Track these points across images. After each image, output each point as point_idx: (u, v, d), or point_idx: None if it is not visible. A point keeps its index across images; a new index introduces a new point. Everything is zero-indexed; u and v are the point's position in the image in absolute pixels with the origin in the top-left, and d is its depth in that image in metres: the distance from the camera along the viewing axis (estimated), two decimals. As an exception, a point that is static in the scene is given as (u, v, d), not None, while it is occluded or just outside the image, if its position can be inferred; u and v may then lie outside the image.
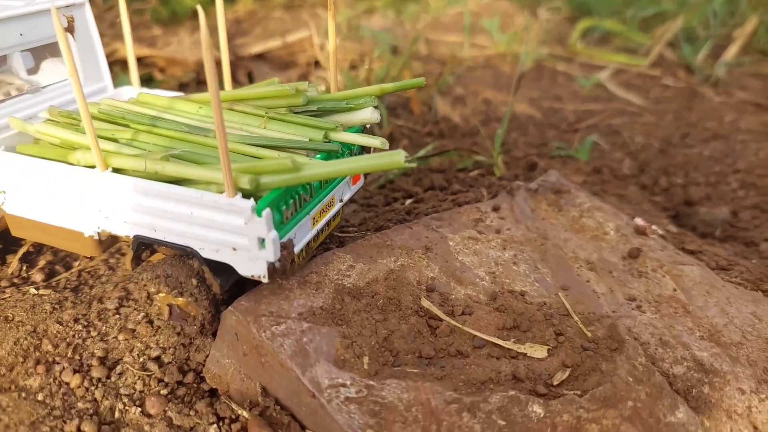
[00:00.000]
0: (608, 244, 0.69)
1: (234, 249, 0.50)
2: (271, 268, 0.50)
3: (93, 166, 0.56)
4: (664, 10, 1.96)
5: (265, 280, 0.51)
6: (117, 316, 0.62)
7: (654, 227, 0.72)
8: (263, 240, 0.49)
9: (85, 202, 0.57)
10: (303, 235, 0.56)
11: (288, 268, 0.53)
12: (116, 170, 0.55)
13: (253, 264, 0.50)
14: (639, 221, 0.72)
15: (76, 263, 0.72)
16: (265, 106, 0.62)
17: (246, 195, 0.49)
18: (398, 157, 0.46)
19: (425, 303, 0.58)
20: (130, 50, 0.76)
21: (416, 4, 2.05)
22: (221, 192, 0.50)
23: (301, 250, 0.56)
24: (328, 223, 0.61)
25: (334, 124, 0.59)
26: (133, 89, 0.78)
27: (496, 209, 0.73)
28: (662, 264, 0.67)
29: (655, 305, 0.62)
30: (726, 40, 1.90)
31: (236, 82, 1.41)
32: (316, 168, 0.49)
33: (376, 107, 0.62)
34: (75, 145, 0.60)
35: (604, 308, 0.60)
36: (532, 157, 0.95)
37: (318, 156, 0.57)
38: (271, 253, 0.49)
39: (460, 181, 0.89)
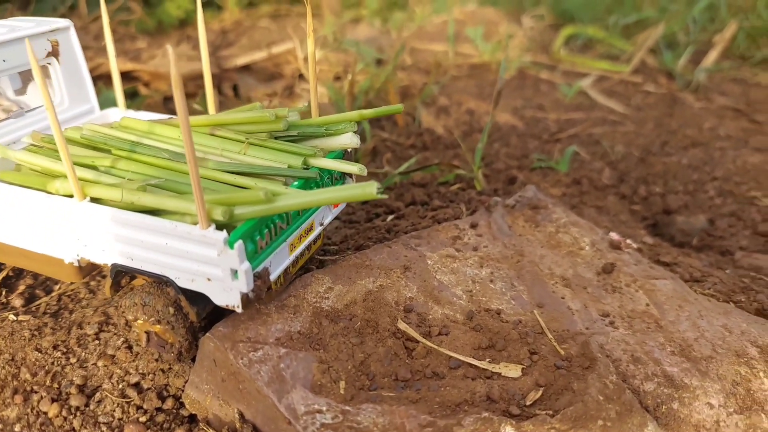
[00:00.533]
0: (583, 259, 0.70)
1: (208, 279, 0.51)
2: (245, 299, 0.51)
3: (72, 195, 0.56)
4: (645, 17, 1.98)
5: (239, 310, 0.52)
6: (96, 342, 0.63)
7: (629, 241, 0.73)
8: (236, 271, 0.49)
9: (65, 230, 0.58)
10: (280, 262, 0.56)
11: (263, 296, 0.53)
12: (94, 199, 0.56)
13: (227, 294, 0.51)
14: (614, 236, 0.73)
15: (57, 287, 0.72)
16: (246, 131, 0.62)
17: (221, 226, 0.50)
18: (370, 189, 0.47)
19: (402, 325, 0.59)
20: (115, 72, 0.76)
21: (402, 13, 2.06)
22: (196, 223, 0.50)
23: (279, 277, 0.57)
24: (308, 248, 0.62)
25: (313, 150, 0.60)
26: (119, 111, 0.79)
27: (474, 226, 0.74)
28: (636, 279, 0.68)
29: (628, 321, 0.63)
30: (707, 46, 1.93)
31: (222, 95, 1.42)
32: (288, 199, 0.50)
33: (356, 132, 0.63)
34: (54, 173, 0.60)
35: (578, 325, 0.61)
36: (512, 171, 0.96)
37: (296, 183, 0.57)
38: (243, 285, 0.50)
39: (441, 195, 0.90)
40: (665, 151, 1.22)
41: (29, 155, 0.62)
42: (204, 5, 1.88)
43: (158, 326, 0.56)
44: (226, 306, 0.52)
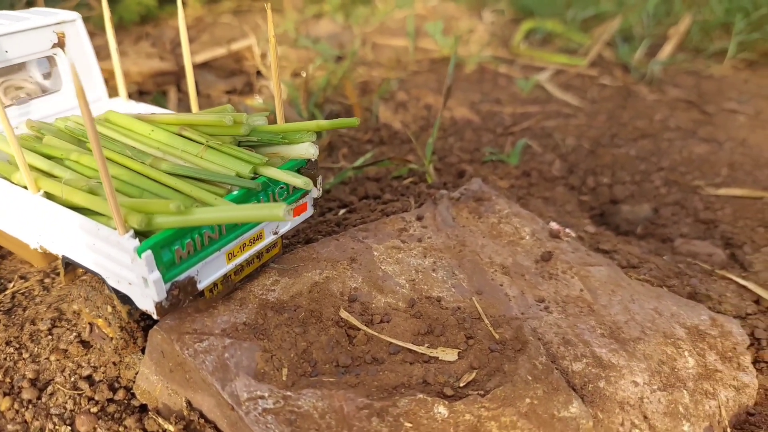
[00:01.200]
0: (523, 248, 0.74)
1: (129, 283, 0.52)
2: (158, 307, 0.52)
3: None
4: (603, 11, 2.03)
5: (155, 317, 0.53)
6: (49, 337, 0.64)
7: (567, 230, 0.77)
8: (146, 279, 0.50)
9: (26, 218, 0.60)
10: (213, 270, 0.57)
11: (183, 304, 0.54)
12: (49, 194, 0.58)
13: (144, 300, 0.52)
14: (553, 225, 0.77)
15: (11, 285, 0.73)
16: (212, 133, 0.63)
17: (145, 233, 0.51)
18: (278, 210, 0.48)
19: (343, 314, 0.61)
20: (116, 64, 0.78)
21: (365, 8, 2.08)
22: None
23: (215, 284, 0.58)
24: (258, 256, 0.62)
25: (261, 158, 0.60)
26: (122, 101, 0.81)
27: (419, 218, 0.77)
28: (572, 266, 0.72)
29: (562, 305, 0.66)
30: (662, 39, 1.98)
31: (181, 92, 1.42)
32: (201, 213, 0.51)
33: (314, 142, 0.63)
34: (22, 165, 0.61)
35: (513, 310, 0.65)
36: (461, 165, 0.99)
37: (237, 192, 0.58)
38: (154, 293, 0.50)
39: (393, 189, 0.93)
40: (615, 142, 1.27)
41: (2, 143, 0.64)
42: (165, 1, 1.88)
43: (99, 320, 0.58)
44: (146, 311, 0.53)
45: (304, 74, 1.08)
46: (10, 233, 0.65)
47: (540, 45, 1.92)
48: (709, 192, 1.11)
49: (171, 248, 0.51)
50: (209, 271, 0.56)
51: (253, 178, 0.59)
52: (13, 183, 0.60)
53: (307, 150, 0.62)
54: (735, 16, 1.95)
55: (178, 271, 0.53)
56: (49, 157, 0.63)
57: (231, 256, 0.58)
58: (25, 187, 0.58)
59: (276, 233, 0.63)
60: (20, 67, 0.77)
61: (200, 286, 0.55)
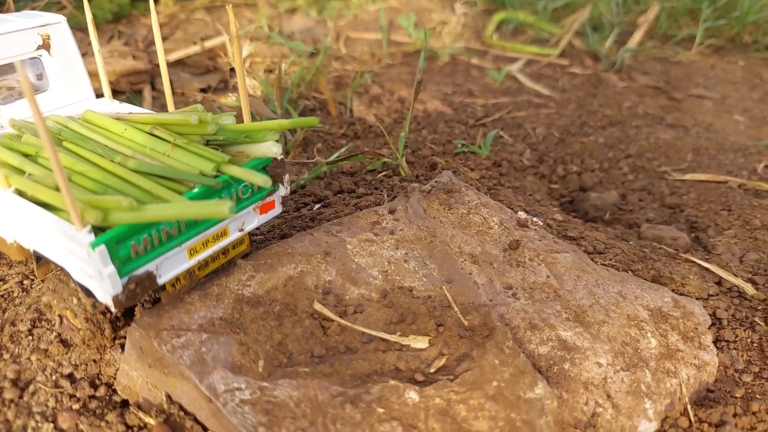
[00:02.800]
0: (491, 237, 0.76)
1: (89, 276, 0.53)
2: (115, 300, 0.53)
3: None
4: (574, 1, 2.06)
5: (113, 310, 0.54)
6: (30, 338, 0.65)
7: (535, 219, 0.79)
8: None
9: (1, 214, 0.61)
10: (175, 266, 0.58)
11: (140, 299, 0.56)
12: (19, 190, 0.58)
13: (103, 293, 0.53)
14: (521, 214, 0.79)
15: (-9, 288, 0.74)
16: (182, 132, 0.65)
17: (105, 229, 0.52)
18: (223, 208, 0.49)
19: (317, 306, 0.63)
20: (100, 65, 0.78)
21: (338, 1, 2.09)
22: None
23: (177, 279, 0.59)
24: (224, 252, 0.64)
25: (224, 157, 0.61)
26: (108, 101, 0.81)
27: (392, 211, 0.79)
28: (539, 253, 0.74)
29: (529, 292, 0.69)
30: (632, 27, 2.01)
31: (155, 90, 1.43)
32: (151, 210, 0.52)
33: (277, 141, 0.64)
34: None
35: (482, 297, 0.67)
36: (433, 157, 1.01)
37: (199, 189, 0.59)
38: (109, 287, 0.51)
39: (367, 183, 0.95)
40: (584, 131, 1.29)
41: None
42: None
43: (67, 311, 0.59)
44: (106, 304, 0.54)
45: (276, 72, 1.09)
46: None
47: (512, 36, 1.95)
48: (675, 177, 1.14)
49: (126, 243, 0.52)
50: (170, 267, 0.57)
51: (217, 177, 0.60)
52: None
53: (270, 149, 0.63)
54: (702, 2, 1.99)
55: (134, 266, 0.54)
56: (24, 155, 0.64)
57: (193, 251, 0.59)
58: None
59: (242, 230, 0.64)
60: (12, 67, 0.78)
61: (160, 281, 0.56)
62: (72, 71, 0.79)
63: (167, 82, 0.73)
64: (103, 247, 0.50)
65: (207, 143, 0.64)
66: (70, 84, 0.79)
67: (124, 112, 0.78)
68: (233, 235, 0.63)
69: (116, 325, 0.64)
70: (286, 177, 0.66)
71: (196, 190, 0.58)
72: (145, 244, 0.54)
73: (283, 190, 0.66)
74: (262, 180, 0.59)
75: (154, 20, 0.70)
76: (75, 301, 0.58)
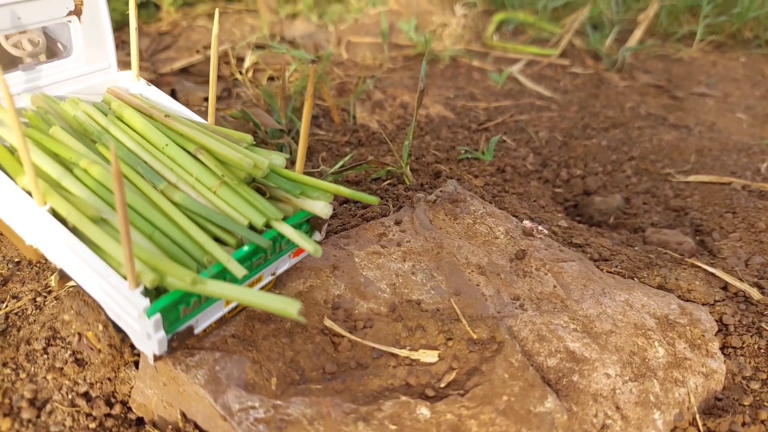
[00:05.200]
0: (498, 247, 0.77)
1: (130, 326, 0.53)
2: (155, 356, 0.53)
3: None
4: (573, 0, 2.06)
5: (150, 362, 0.55)
6: (45, 356, 0.66)
7: (540, 228, 0.80)
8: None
9: (27, 219, 0.60)
10: (212, 315, 0.58)
11: (179, 349, 0.56)
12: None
13: (143, 344, 0.53)
14: (527, 223, 0.80)
15: (3, 305, 0.75)
16: (224, 160, 0.63)
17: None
18: (292, 309, 0.48)
19: (327, 322, 0.64)
20: (133, 40, 0.77)
21: (339, 4, 2.09)
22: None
23: (209, 325, 0.59)
24: None
25: (278, 214, 0.59)
26: (133, 79, 0.80)
27: (398, 223, 0.80)
28: (545, 263, 0.75)
29: (537, 302, 0.69)
30: (632, 25, 2.01)
31: (160, 100, 1.43)
32: (214, 287, 0.51)
33: (330, 203, 0.62)
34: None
35: (490, 309, 0.68)
36: (437, 165, 1.01)
37: (247, 247, 0.57)
38: (155, 348, 0.52)
39: (372, 192, 0.95)
40: (587, 133, 1.30)
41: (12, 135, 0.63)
42: (140, 6, 1.88)
43: (89, 333, 0.60)
44: (141, 350, 0.55)
45: (280, 82, 1.09)
46: (7, 222, 0.64)
47: (512, 36, 1.95)
48: (679, 179, 1.14)
49: (178, 307, 0.52)
50: (207, 317, 0.57)
51: (265, 232, 0.59)
52: (17, 185, 0.59)
53: (323, 210, 0.61)
54: (702, -1, 1.98)
55: (180, 324, 0.54)
56: (54, 155, 0.62)
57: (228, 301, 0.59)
58: (30, 194, 0.57)
59: (274, 274, 0.64)
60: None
61: (197, 331, 0.56)
62: (98, 39, 0.77)
63: (214, 92, 0.72)
64: (158, 316, 0.50)
65: (252, 180, 0.63)
66: (95, 52, 0.78)
67: (151, 98, 0.77)
68: (266, 279, 0.63)
69: (135, 348, 0.65)
70: (325, 226, 0.66)
71: (245, 248, 0.57)
72: (194, 305, 0.54)
73: (318, 237, 0.66)
74: (313, 249, 0.57)
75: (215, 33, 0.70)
76: (101, 328, 0.59)
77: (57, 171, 0.59)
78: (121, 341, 0.59)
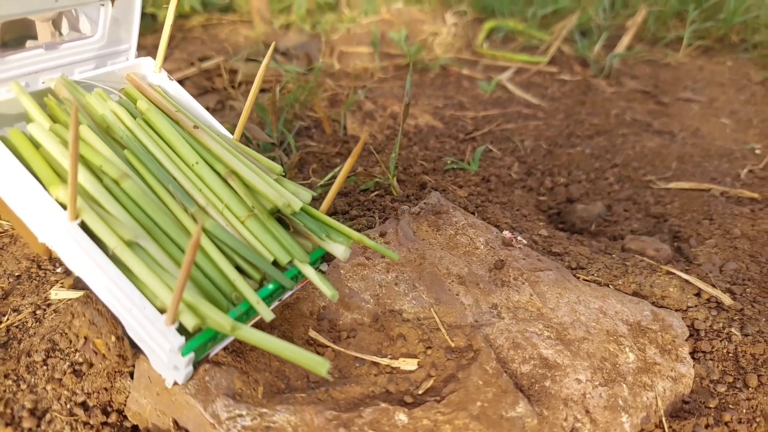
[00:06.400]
0: (477, 258, 0.80)
1: (153, 351, 0.57)
2: (176, 383, 0.57)
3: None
4: (562, 7, 2.09)
5: (169, 386, 0.58)
6: (45, 368, 0.70)
7: (519, 238, 0.83)
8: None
9: (50, 221, 0.59)
10: (224, 341, 0.61)
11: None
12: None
13: (163, 368, 0.57)
14: (506, 234, 0.83)
15: (5, 318, 0.79)
16: (252, 186, 0.65)
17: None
18: (321, 368, 0.51)
19: (312, 333, 0.67)
20: (167, 30, 0.76)
21: (332, 14, 2.13)
22: (163, 311, 0.55)
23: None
24: None
25: (305, 256, 0.62)
26: (154, 68, 0.79)
27: (383, 235, 0.83)
28: (522, 272, 0.78)
29: (513, 311, 0.73)
30: (620, 31, 2.05)
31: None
32: (249, 333, 0.54)
33: (350, 248, 0.66)
34: (58, 178, 0.60)
35: (468, 318, 0.71)
36: (424, 176, 1.05)
37: (272, 285, 0.61)
38: (180, 379, 0.56)
39: (360, 204, 0.99)
40: (571, 141, 1.33)
41: (45, 137, 0.62)
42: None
43: (98, 340, 0.63)
44: (158, 372, 0.58)
45: (271, 94, 1.13)
46: (23, 218, 0.64)
47: (502, 44, 1.98)
48: (660, 186, 1.18)
49: (206, 345, 0.56)
50: (220, 343, 0.61)
51: (287, 270, 0.63)
52: (50, 194, 0.59)
53: (343, 254, 0.65)
54: (688, 5, 2.02)
55: (203, 354, 0.58)
56: (82, 158, 0.62)
57: None
58: (64, 207, 0.58)
59: (281, 299, 0.67)
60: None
61: (211, 356, 0.60)
62: (125, 22, 0.77)
63: (249, 107, 0.73)
64: (192, 355, 0.54)
65: (277, 210, 0.66)
66: (118, 35, 0.77)
67: (170, 91, 0.77)
68: (273, 305, 0.66)
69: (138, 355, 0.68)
70: (334, 260, 0.70)
71: (270, 287, 0.60)
72: (220, 339, 0.58)
73: (325, 267, 0.70)
74: (331, 294, 0.62)
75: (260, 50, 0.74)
76: (113, 339, 0.62)
77: (93, 185, 0.59)
78: (133, 355, 0.63)
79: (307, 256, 0.63)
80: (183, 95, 0.78)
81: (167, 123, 0.68)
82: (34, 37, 0.75)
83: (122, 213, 0.59)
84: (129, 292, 0.55)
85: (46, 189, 0.59)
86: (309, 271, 0.63)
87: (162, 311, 0.55)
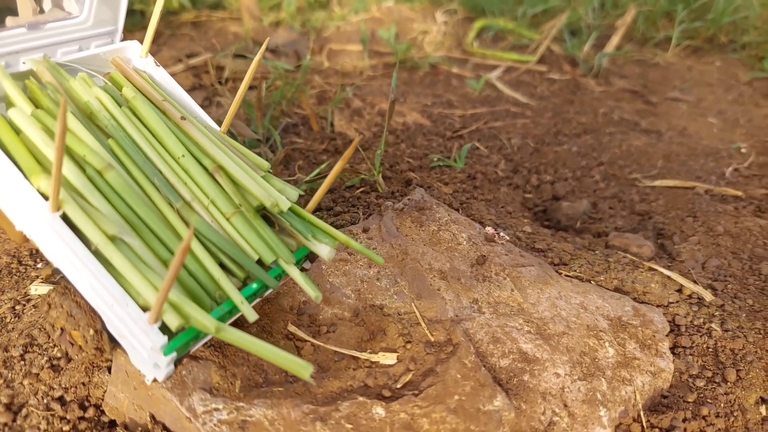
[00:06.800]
0: (460, 253, 0.80)
1: (134, 347, 0.55)
2: (155, 380, 0.56)
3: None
4: (552, 6, 2.09)
5: (147, 382, 0.57)
6: (22, 363, 0.69)
7: (502, 234, 0.83)
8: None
9: (29, 210, 0.57)
10: (206, 337, 0.60)
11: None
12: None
13: (142, 364, 0.55)
14: (489, 230, 0.83)
15: (-15, 314, 0.78)
16: (238, 183, 0.64)
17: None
18: (305, 371, 0.51)
19: (291, 328, 0.67)
20: (156, 16, 0.74)
21: (323, 12, 2.13)
22: (146, 309, 0.53)
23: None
24: None
25: (291, 257, 0.61)
26: (139, 52, 0.76)
27: (366, 230, 0.83)
28: (504, 267, 0.78)
29: (494, 306, 0.73)
30: (610, 30, 2.05)
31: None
32: (233, 335, 0.53)
33: (335, 249, 0.65)
34: (40, 167, 0.58)
35: (449, 313, 0.71)
36: (409, 173, 1.05)
37: (256, 284, 0.60)
38: (161, 377, 0.54)
39: (345, 200, 0.99)
40: (558, 140, 1.33)
41: (27, 122, 0.60)
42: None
43: (75, 332, 0.62)
44: (137, 368, 0.57)
45: (257, 93, 1.13)
46: None
47: (492, 43, 1.98)
48: (645, 184, 1.18)
49: (188, 344, 0.56)
50: (202, 340, 0.60)
51: (272, 269, 0.62)
52: (31, 184, 0.57)
53: (328, 254, 0.64)
54: (677, 5, 2.03)
55: (184, 352, 0.57)
56: (67, 148, 0.59)
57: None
58: (45, 197, 0.56)
59: (263, 297, 0.66)
60: None
61: (192, 351, 0.60)
62: (112, 2, 0.74)
63: (239, 100, 0.72)
64: (174, 355, 0.53)
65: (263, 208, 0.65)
66: (104, 15, 0.75)
67: (155, 77, 0.75)
68: (254, 302, 0.65)
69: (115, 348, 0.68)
70: (317, 259, 0.70)
71: (254, 286, 0.60)
72: (201, 338, 0.57)
73: (308, 265, 0.69)
74: (314, 296, 0.61)
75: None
76: (92, 332, 0.61)
77: (78, 178, 0.57)
78: (111, 348, 0.62)
79: (293, 256, 0.62)
80: (170, 83, 0.76)
81: (153, 113, 0.66)
82: (15, 12, 0.73)
83: (106, 206, 0.58)
84: (111, 289, 0.54)
85: (26, 177, 0.57)
86: (294, 272, 0.62)
87: (145, 309, 0.53)
